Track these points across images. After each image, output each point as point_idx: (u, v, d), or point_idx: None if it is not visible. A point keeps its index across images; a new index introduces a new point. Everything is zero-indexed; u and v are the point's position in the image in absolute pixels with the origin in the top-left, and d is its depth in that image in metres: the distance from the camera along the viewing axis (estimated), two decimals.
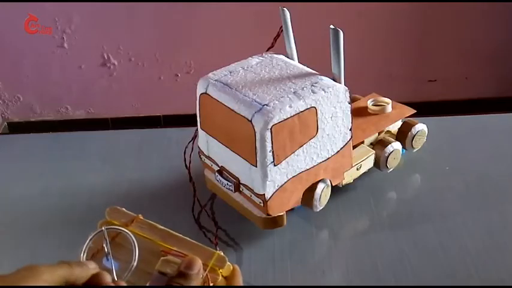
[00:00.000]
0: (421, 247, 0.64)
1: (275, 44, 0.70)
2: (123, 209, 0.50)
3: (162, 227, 0.49)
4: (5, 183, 0.79)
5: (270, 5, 1.59)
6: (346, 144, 0.65)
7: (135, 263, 0.45)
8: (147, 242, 0.48)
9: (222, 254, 0.47)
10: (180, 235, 0.49)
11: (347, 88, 0.62)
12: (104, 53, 1.94)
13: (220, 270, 0.47)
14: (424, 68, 2.02)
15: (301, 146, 0.61)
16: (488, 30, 1.93)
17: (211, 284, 0.46)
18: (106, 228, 0.47)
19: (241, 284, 0.48)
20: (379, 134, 0.74)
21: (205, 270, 0.46)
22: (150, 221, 0.49)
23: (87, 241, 0.47)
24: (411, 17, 1.89)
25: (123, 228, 0.48)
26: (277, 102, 0.58)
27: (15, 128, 2.10)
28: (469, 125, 0.87)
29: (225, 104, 0.61)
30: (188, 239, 0.48)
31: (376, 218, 0.69)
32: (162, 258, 0.45)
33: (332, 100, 0.61)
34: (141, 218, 0.50)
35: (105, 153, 0.84)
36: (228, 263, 0.47)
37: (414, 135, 0.74)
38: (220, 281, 0.47)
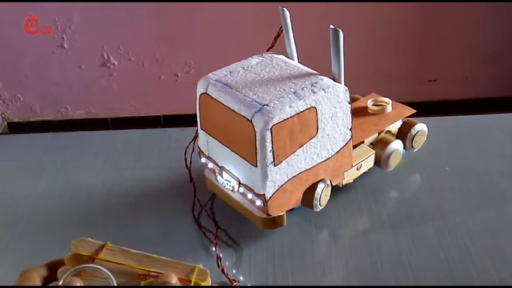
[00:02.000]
0: (421, 247, 0.64)
1: (275, 44, 0.70)
2: (89, 238, 0.48)
3: (135, 251, 0.47)
4: (5, 183, 0.79)
5: (270, 5, 1.60)
6: (346, 144, 0.65)
7: None
8: (124, 268, 0.46)
9: (202, 266, 0.47)
10: (155, 255, 0.47)
11: (347, 88, 0.62)
12: (104, 53, 1.94)
13: (203, 283, 0.46)
14: (424, 68, 2.02)
15: (301, 146, 0.61)
16: (488, 30, 1.94)
17: None
18: (75, 270, 0.45)
19: None
20: (379, 134, 0.74)
21: (189, 286, 0.45)
22: (121, 247, 0.48)
23: (61, 282, 0.44)
24: (411, 17, 1.89)
25: (91, 265, 0.45)
26: (277, 102, 0.58)
27: (15, 128, 2.10)
28: (469, 125, 0.87)
29: (225, 104, 0.61)
30: (164, 258, 0.47)
31: (376, 218, 0.69)
32: (142, 282, 0.45)
33: (332, 100, 0.61)
34: (110, 244, 0.48)
35: (105, 153, 0.84)
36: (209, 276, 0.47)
37: (414, 135, 0.74)
38: None
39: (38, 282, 0.44)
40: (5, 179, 0.80)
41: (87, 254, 0.47)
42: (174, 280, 0.44)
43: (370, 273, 0.61)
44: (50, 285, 0.45)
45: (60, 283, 0.44)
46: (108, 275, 0.45)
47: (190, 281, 0.46)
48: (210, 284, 0.47)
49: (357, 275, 0.62)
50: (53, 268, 0.46)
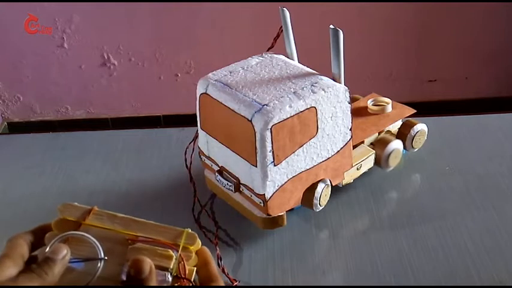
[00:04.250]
0: (421, 247, 0.64)
1: (275, 44, 0.70)
2: (76, 203, 0.47)
3: (123, 215, 0.47)
4: (5, 183, 0.79)
5: (270, 5, 1.60)
6: (346, 144, 0.65)
7: (101, 264, 0.43)
8: (111, 233, 0.46)
9: (191, 230, 0.46)
10: (143, 220, 0.47)
11: (347, 88, 0.62)
12: (104, 53, 1.94)
13: (191, 247, 0.46)
14: (424, 68, 2.02)
15: (301, 146, 0.61)
16: (488, 30, 1.94)
17: (186, 263, 0.44)
18: (61, 237, 0.44)
19: (211, 258, 0.47)
20: (379, 134, 0.74)
21: (177, 251, 0.45)
22: (109, 211, 0.47)
23: (47, 248, 0.44)
24: (411, 17, 1.89)
25: (77, 232, 0.45)
26: (277, 102, 0.58)
27: (15, 128, 2.10)
28: (469, 125, 0.87)
29: (225, 104, 0.61)
30: (152, 222, 0.47)
31: (376, 218, 0.69)
32: (130, 246, 0.44)
33: (332, 100, 0.61)
34: (97, 209, 0.47)
35: (105, 153, 0.84)
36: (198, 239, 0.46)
37: (414, 136, 0.74)
38: (194, 258, 0.46)
39: (26, 249, 0.44)
40: (5, 179, 0.80)
41: (74, 219, 0.46)
42: (146, 271, 0.42)
43: (370, 273, 0.62)
44: (35, 253, 0.44)
45: (47, 249, 0.43)
46: (94, 242, 0.44)
47: (178, 245, 0.45)
48: (199, 247, 0.46)
49: (357, 275, 0.62)
50: (40, 233, 0.46)
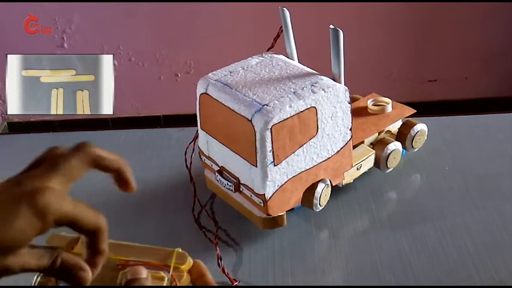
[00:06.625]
0: (421, 247, 0.64)
1: (275, 44, 0.70)
2: (64, 233, 0.47)
3: (110, 241, 0.46)
4: None
5: (270, 5, 1.60)
6: (346, 144, 0.65)
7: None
8: None
9: (181, 250, 0.46)
10: (131, 243, 0.47)
11: (347, 88, 0.62)
12: (104, 53, 1.94)
13: (182, 267, 0.45)
14: (424, 68, 2.02)
15: (301, 146, 0.61)
16: (487, 30, 1.94)
17: (178, 284, 0.44)
18: None
19: (206, 270, 0.46)
20: (379, 134, 0.74)
21: (168, 272, 0.45)
22: None
23: (34, 280, 0.44)
24: (411, 17, 1.90)
25: None
26: (277, 102, 0.58)
27: (15, 128, 2.10)
28: (469, 125, 0.87)
29: (225, 104, 0.61)
30: (140, 245, 0.47)
31: (376, 218, 0.69)
32: (121, 272, 0.44)
33: (332, 100, 0.61)
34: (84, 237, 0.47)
35: None
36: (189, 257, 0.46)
37: (414, 136, 0.74)
38: (186, 277, 0.45)
39: None
40: (5, 179, 0.80)
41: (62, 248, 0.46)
42: (144, 274, 0.43)
43: (370, 273, 0.61)
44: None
45: (35, 279, 0.43)
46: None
47: (169, 266, 0.45)
48: (191, 265, 0.46)
49: (357, 275, 0.62)
50: None
